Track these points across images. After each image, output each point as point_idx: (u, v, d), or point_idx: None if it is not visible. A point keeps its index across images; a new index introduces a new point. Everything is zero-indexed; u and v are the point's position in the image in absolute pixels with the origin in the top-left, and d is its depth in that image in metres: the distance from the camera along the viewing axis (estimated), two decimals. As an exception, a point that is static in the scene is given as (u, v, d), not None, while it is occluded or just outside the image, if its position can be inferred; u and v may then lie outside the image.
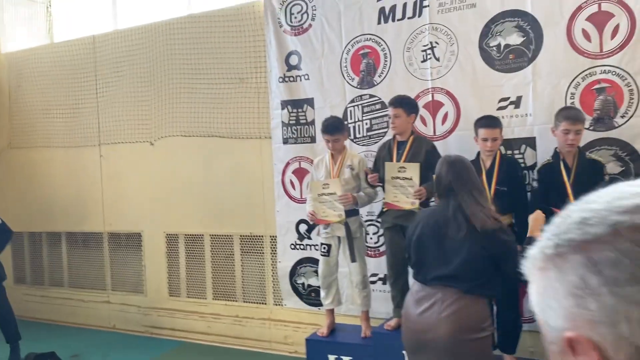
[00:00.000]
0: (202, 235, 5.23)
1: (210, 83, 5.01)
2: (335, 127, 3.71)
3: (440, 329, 2.43)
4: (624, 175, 3.43)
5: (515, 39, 3.79)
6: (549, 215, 3.11)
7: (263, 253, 4.93)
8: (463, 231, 2.47)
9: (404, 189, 3.47)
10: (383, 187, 3.60)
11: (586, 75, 3.59)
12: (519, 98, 3.80)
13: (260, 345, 4.94)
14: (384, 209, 3.61)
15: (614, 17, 3.49)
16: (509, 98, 3.83)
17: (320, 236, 3.82)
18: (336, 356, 3.62)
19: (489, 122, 3.37)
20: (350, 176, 3.71)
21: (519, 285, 3.37)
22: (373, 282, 4.21)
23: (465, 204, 2.50)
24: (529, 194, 3.38)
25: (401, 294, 3.62)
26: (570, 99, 3.64)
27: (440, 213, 2.59)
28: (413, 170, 3.42)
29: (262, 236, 4.92)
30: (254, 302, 5.01)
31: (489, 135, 3.31)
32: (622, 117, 3.49)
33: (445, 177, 2.56)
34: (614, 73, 3.52)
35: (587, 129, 3.47)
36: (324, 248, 3.77)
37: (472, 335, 2.43)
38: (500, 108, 3.85)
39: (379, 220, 3.75)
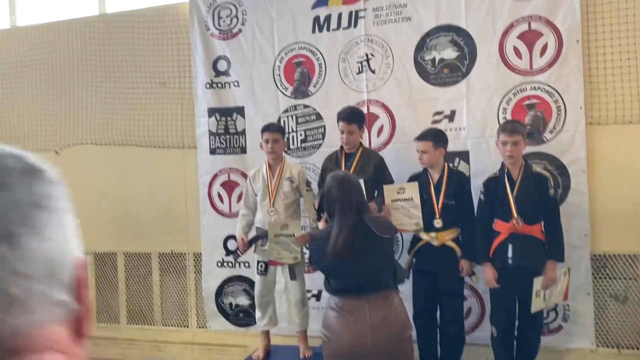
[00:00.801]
0: (115, 253, 4.77)
1: (127, 87, 4.62)
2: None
3: (374, 337, 2.44)
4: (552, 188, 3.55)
5: (450, 53, 3.84)
6: (492, 228, 3.14)
7: (185, 272, 4.59)
8: (348, 244, 2.48)
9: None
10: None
11: (517, 91, 3.70)
12: (453, 112, 3.84)
13: (181, 371, 4.57)
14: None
15: (543, 36, 3.64)
16: (443, 112, 3.86)
17: (257, 254, 3.59)
18: (274, 381, 3.40)
19: (420, 136, 3.37)
20: (290, 189, 3.52)
21: (462, 298, 3.37)
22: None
23: (352, 219, 2.52)
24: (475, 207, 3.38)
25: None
26: (502, 114, 3.73)
27: (334, 231, 2.54)
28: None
29: (185, 254, 4.58)
30: (175, 325, 4.63)
31: (419, 148, 3.31)
32: (551, 132, 3.63)
33: (335, 196, 2.57)
34: (543, 90, 3.65)
35: (519, 143, 3.55)
36: (261, 266, 3.54)
37: (405, 334, 2.54)
38: (434, 122, 3.86)
39: None
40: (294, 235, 3.41)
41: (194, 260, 4.55)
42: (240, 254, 3.60)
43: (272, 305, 3.63)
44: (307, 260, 3.69)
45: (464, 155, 3.80)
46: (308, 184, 3.61)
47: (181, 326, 4.61)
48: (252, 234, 3.60)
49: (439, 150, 3.29)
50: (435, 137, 3.31)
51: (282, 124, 4.17)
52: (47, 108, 4.86)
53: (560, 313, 3.62)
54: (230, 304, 4.40)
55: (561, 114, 3.62)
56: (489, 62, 3.75)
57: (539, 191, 3.09)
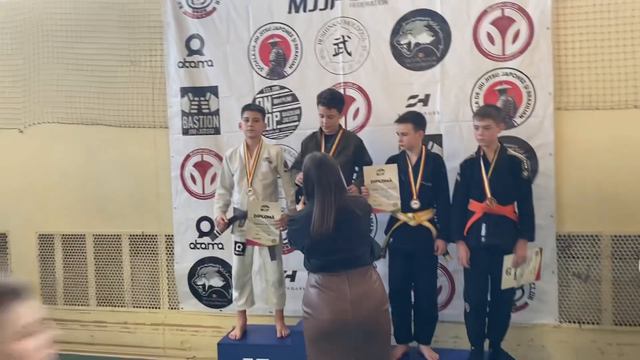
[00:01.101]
0: (84, 235, 4.67)
1: (95, 65, 4.49)
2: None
3: (355, 310, 2.52)
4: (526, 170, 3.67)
5: (425, 37, 3.89)
6: (467, 208, 3.24)
7: (157, 253, 4.54)
8: (331, 223, 2.54)
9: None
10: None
11: (490, 76, 3.79)
12: (427, 96, 3.90)
13: (153, 352, 4.54)
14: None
15: (515, 23, 3.72)
16: (417, 96, 3.92)
17: (235, 234, 3.59)
18: (251, 359, 3.42)
19: (399, 118, 3.44)
20: (268, 170, 3.53)
21: (436, 277, 3.47)
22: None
23: (332, 199, 2.59)
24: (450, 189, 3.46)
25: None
26: (475, 98, 3.82)
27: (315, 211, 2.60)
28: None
29: (156, 235, 4.52)
30: (146, 307, 4.59)
31: (398, 130, 3.36)
32: (521, 117, 3.74)
33: (314, 178, 2.63)
34: (514, 75, 3.75)
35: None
36: (239, 247, 3.54)
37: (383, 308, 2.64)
38: (409, 105, 3.91)
39: None
40: (273, 217, 3.42)
41: (166, 241, 4.50)
42: (218, 234, 3.59)
43: (249, 286, 3.65)
44: (284, 242, 3.71)
45: (437, 139, 3.88)
46: (286, 164, 3.62)
47: (152, 308, 4.57)
48: (230, 214, 3.59)
49: (419, 132, 3.36)
50: (415, 119, 3.38)
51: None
52: (11, 85, 4.67)
53: (526, 291, 3.78)
54: (204, 285, 4.39)
55: (531, 100, 3.74)
56: (463, 47, 3.82)
57: (513, 173, 3.20)
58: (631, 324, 3.70)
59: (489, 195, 3.13)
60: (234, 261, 3.64)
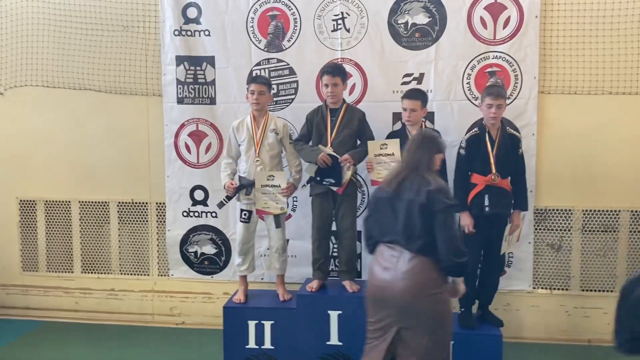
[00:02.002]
0: (69, 201, 4.61)
1: (85, 27, 4.39)
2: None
3: (397, 286, 2.59)
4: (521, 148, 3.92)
5: (422, 18, 4.06)
6: (469, 180, 3.47)
7: (147, 221, 4.55)
8: (411, 196, 2.62)
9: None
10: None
11: (481, 59, 4.03)
12: (422, 75, 4.10)
13: (141, 319, 4.59)
14: (319, 179, 3.60)
15: (507, 10, 3.96)
16: (412, 74, 4.11)
17: (241, 202, 3.68)
18: (256, 321, 3.56)
19: (408, 94, 3.61)
20: (275, 141, 3.63)
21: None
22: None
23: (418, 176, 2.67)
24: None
25: (325, 258, 3.72)
26: (467, 79, 4.05)
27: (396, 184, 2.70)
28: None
29: (147, 203, 4.53)
30: (134, 274, 4.61)
31: (408, 106, 3.53)
32: (508, 98, 4.00)
33: (415, 155, 2.72)
34: (503, 59, 4.00)
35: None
36: (245, 214, 3.64)
37: (425, 292, 2.61)
38: (404, 83, 4.10)
39: (310, 185, 3.73)
40: (280, 186, 3.55)
41: (157, 209, 4.52)
42: (226, 201, 3.67)
43: (252, 252, 3.77)
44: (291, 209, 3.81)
45: (430, 116, 4.08)
46: (291, 137, 3.73)
47: (141, 275, 4.60)
48: (236, 183, 3.68)
49: (424, 110, 3.57)
50: (423, 97, 3.58)
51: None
52: (-9, 44, 4.49)
53: (505, 259, 4.10)
54: (195, 252, 4.46)
55: (518, 82, 4.01)
56: (457, 29, 4.02)
57: (512, 150, 3.46)
58: (596, 289, 4.11)
59: (494, 170, 3.38)
60: (238, 228, 3.74)
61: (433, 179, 2.66)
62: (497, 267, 3.61)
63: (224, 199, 3.66)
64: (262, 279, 4.30)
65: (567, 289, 4.14)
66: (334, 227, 3.76)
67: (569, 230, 4.10)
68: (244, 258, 3.73)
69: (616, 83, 3.93)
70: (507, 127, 3.56)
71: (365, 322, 2.73)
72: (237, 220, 3.81)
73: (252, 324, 3.56)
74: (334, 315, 3.47)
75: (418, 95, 3.57)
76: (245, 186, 3.62)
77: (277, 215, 3.62)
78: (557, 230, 4.12)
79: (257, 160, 3.58)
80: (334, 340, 3.49)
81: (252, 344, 3.58)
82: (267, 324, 3.55)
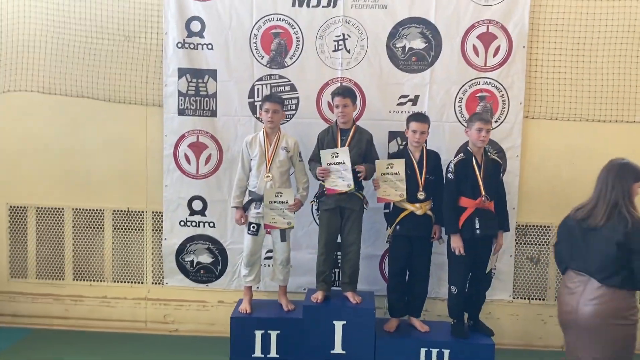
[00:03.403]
0: (62, 208, 4.59)
1: (85, 35, 4.39)
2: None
3: (580, 312, 2.76)
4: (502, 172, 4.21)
5: (419, 44, 4.30)
6: (458, 204, 3.71)
7: (142, 230, 4.59)
8: (609, 232, 2.70)
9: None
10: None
11: (472, 84, 4.31)
12: (417, 97, 4.34)
13: (133, 326, 4.63)
14: (325, 191, 3.79)
15: (497, 39, 4.26)
16: (408, 96, 4.34)
17: (250, 215, 3.81)
18: (263, 331, 3.70)
19: (418, 117, 3.82)
20: (285, 158, 3.78)
21: (430, 259, 3.93)
22: (270, 258, 4.33)
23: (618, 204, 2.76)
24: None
25: (330, 270, 3.90)
26: (459, 102, 4.32)
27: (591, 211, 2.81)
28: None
29: (143, 212, 4.57)
30: (128, 282, 4.64)
31: (418, 128, 3.75)
32: (496, 122, 4.30)
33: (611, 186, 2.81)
34: (493, 85, 4.30)
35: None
36: (253, 227, 3.78)
37: (610, 322, 2.72)
38: (400, 104, 4.34)
39: (319, 200, 3.90)
40: (287, 202, 3.70)
41: (153, 218, 4.57)
42: (253, 230, 3.86)
43: (258, 263, 3.91)
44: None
45: (423, 136, 4.33)
46: (300, 155, 3.89)
47: (135, 282, 4.63)
48: (246, 198, 3.81)
49: (428, 132, 3.80)
50: (429, 120, 3.81)
51: (255, 91, 4.35)
52: (-15, 48, 4.42)
53: (491, 275, 4.39)
54: (192, 261, 4.54)
55: (505, 107, 4.31)
56: (451, 56, 4.29)
57: (495, 173, 3.75)
58: (569, 299, 4.47)
59: (483, 192, 3.63)
60: (246, 240, 3.87)
61: (631, 215, 2.71)
62: (485, 284, 3.89)
63: (252, 227, 3.84)
64: (257, 287, 4.42)
65: (543, 299, 4.49)
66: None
67: (547, 245, 4.45)
68: (250, 269, 3.86)
69: (592, 111, 4.30)
70: (489, 152, 3.84)
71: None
72: (244, 233, 3.93)
73: (258, 334, 3.71)
74: (338, 325, 3.66)
75: (426, 119, 3.81)
76: (255, 200, 3.75)
77: (283, 230, 3.78)
78: (536, 244, 4.46)
79: (268, 176, 3.72)
80: (338, 349, 3.68)
81: (258, 352, 3.72)
82: (274, 334, 3.70)
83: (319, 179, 3.79)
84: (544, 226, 4.44)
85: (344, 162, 3.70)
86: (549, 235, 4.43)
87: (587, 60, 4.26)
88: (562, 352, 4.38)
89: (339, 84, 4.29)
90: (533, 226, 4.44)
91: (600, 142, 4.31)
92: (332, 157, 3.73)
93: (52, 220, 4.61)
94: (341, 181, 3.71)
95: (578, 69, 4.27)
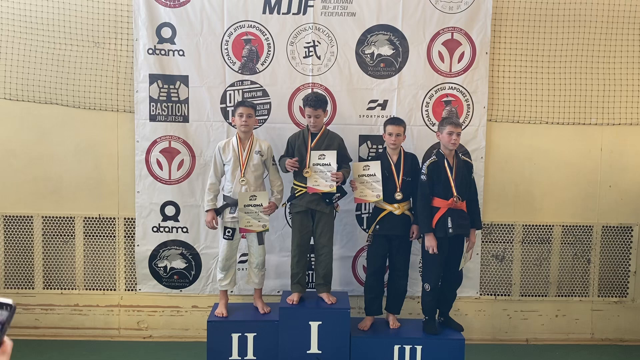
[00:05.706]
0: (31, 216, 4.53)
1: (53, 41, 4.35)
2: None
3: None
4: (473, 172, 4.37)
5: (387, 50, 4.43)
6: (431, 204, 3.84)
7: (114, 236, 4.57)
8: None
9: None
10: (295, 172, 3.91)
11: (438, 89, 4.46)
12: (386, 101, 4.47)
13: (106, 333, 4.60)
14: (297, 194, 3.87)
15: (461, 45, 4.43)
16: (377, 100, 4.47)
17: (225, 220, 3.85)
18: (240, 334, 3.75)
19: (393, 120, 3.95)
20: (259, 162, 3.84)
21: (409, 257, 4.05)
22: (243, 262, 4.39)
23: None
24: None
25: (304, 272, 3.97)
26: (425, 107, 4.47)
27: None
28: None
29: (115, 218, 4.55)
30: (100, 289, 4.61)
31: (393, 131, 3.88)
32: (461, 125, 4.46)
33: None
34: (458, 90, 4.46)
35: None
36: (228, 232, 3.82)
37: None
38: (369, 108, 4.46)
39: (291, 203, 3.97)
40: (262, 205, 3.77)
41: (125, 224, 4.55)
42: (229, 235, 3.88)
43: (234, 268, 3.95)
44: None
45: (392, 139, 4.46)
46: (274, 158, 3.95)
47: (107, 290, 4.61)
48: (220, 202, 3.85)
49: (405, 135, 3.93)
50: (404, 123, 3.95)
51: (228, 97, 4.40)
52: (-51, 54, 4.33)
53: (463, 273, 4.55)
54: (165, 267, 4.54)
55: (470, 111, 4.48)
56: (418, 62, 4.44)
57: (467, 174, 3.90)
58: (533, 295, 4.67)
59: (455, 193, 3.78)
60: (221, 245, 3.91)
61: None
62: (457, 281, 4.03)
63: (227, 235, 3.87)
64: (232, 292, 4.47)
65: (509, 295, 4.67)
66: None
67: (511, 243, 4.64)
68: (225, 274, 3.90)
69: (552, 114, 4.52)
70: (460, 154, 4.00)
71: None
72: (219, 237, 3.97)
73: (235, 337, 3.75)
74: (314, 325, 3.74)
75: (401, 122, 3.94)
76: (229, 205, 3.80)
77: (259, 233, 3.84)
78: (500, 242, 4.64)
79: (243, 180, 3.78)
80: (314, 348, 3.75)
81: (235, 355, 3.76)
82: (250, 336, 3.75)
83: (287, 171, 3.88)
84: (508, 225, 4.63)
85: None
86: (514, 234, 4.63)
87: (546, 65, 4.48)
88: (526, 345, 4.60)
89: (310, 90, 4.38)
90: (497, 225, 4.62)
91: (559, 143, 4.53)
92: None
93: (21, 228, 4.54)
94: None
95: (537, 74, 4.49)
